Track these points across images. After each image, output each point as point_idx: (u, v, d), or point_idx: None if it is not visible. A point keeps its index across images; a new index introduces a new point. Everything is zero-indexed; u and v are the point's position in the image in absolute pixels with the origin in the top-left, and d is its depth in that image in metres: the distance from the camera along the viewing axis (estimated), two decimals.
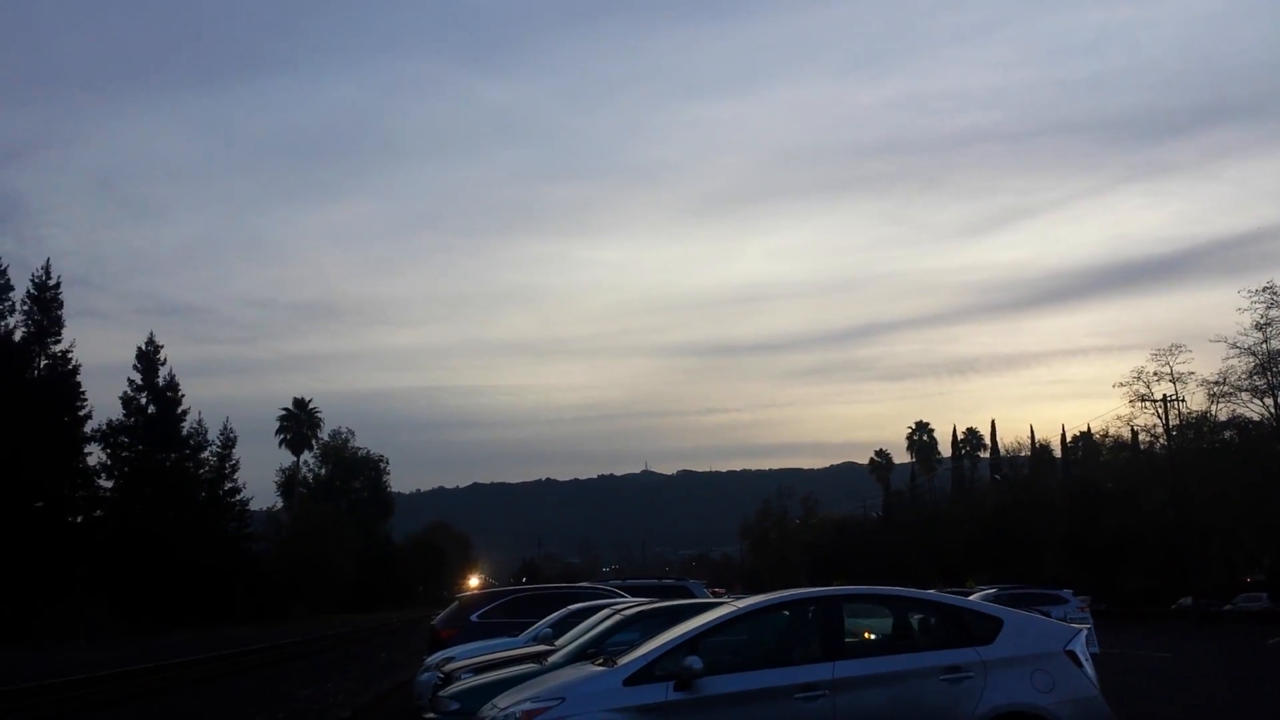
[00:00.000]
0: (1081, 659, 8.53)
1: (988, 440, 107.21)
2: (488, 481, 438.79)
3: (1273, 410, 49.06)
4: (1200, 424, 54.91)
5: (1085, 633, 9.00)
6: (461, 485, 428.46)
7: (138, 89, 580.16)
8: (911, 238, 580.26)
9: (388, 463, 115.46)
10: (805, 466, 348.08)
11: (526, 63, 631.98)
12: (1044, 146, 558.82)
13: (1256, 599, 54.89)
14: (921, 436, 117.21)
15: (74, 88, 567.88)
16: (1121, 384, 56.77)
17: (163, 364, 65.79)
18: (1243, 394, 49.69)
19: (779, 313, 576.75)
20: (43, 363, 53.00)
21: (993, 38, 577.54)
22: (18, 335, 51.43)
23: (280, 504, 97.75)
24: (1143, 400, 55.64)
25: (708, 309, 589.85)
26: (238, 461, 72.51)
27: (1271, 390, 48.58)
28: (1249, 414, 50.90)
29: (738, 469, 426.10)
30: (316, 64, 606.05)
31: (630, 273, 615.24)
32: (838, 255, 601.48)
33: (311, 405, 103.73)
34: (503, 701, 8.55)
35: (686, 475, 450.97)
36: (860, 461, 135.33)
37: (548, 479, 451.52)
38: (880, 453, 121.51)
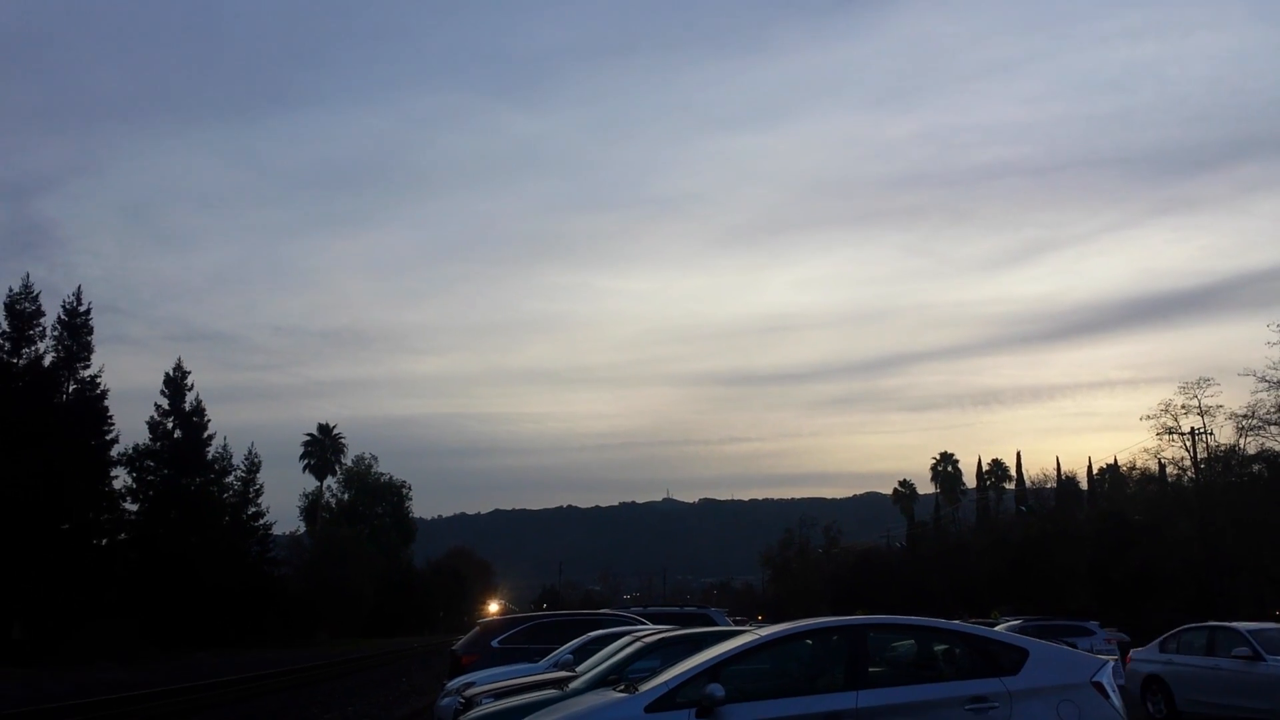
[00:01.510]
0: (1109, 690, 8.48)
1: (1013, 472, 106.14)
2: (509, 508, 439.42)
3: None
4: (1228, 457, 54.39)
5: (1112, 664, 8.95)
6: (483, 511, 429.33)
7: (169, 119, 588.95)
8: (938, 270, 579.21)
9: (410, 488, 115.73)
10: (828, 496, 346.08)
11: (554, 95, 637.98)
12: (1071, 180, 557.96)
13: None
14: (946, 467, 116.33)
15: (106, 117, 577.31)
16: (1149, 417, 56.37)
17: (190, 389, 66.22)
18: (1271, 428, 49.16)
19: (804, 343, 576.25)
20: (71, 388, 53.40)
21: (1020, 73, 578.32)
22: (48, 360, 51.92)
23: (303, 528, 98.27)
24: (1170, 433, 55.24)
25: (732, 339, 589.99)
26: (262, 486, 72.87)
27: None
28: (1278, 448, 50.35)
29: (760, 498, 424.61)
30: (347, 96, 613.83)
31: (655, 302, 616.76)
32: (863, 286, 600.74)
33: (336, 431, 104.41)
34: None
35: (708, 504, 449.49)
36: (884, 492, 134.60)
37: (569, 506, 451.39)
38: (904, 483, 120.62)
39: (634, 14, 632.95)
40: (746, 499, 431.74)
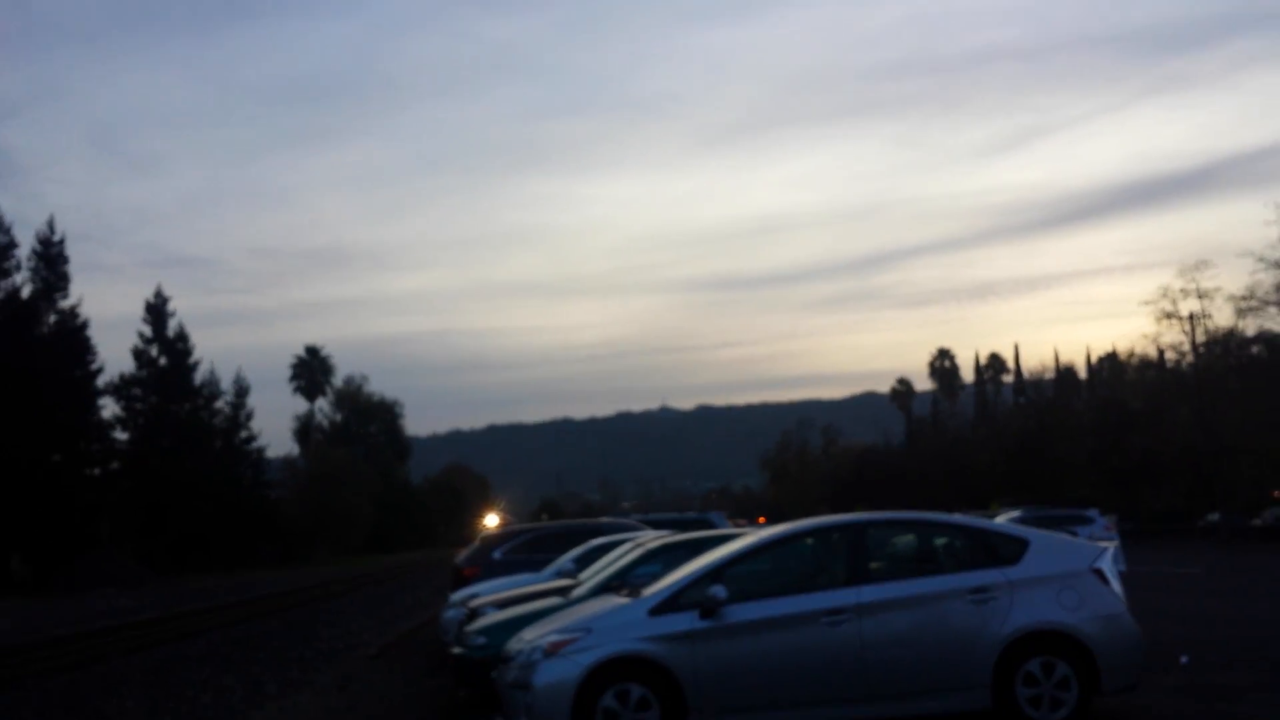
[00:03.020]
0: (1109, 577, 8.52)
1: (1011, 364, 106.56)
2: (504, 423, 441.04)
3: None
4: (1228, 340, 54.27)
5: (1112, 551, 8.97)
6: (478, 427, 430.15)
7: (130, 39, 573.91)
8: (928, 161, 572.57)
9: (403, 407, 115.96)
10: (825, 397, 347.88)
11: None
12: (1062, 62, 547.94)
13: None
14: (943, 363, 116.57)
15: (66, 41, 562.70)
16: (1147, 302, 55.86)
17: (172, 316, 65.98)
18: (1270, 308, 48.70)
19: (794, 243, 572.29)
20: (52, 319, 52.95)
21: None
22: (25, 292, 51.43)
23: (297, 451, 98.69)
24: (1169, 318, 54.81)
25: (721, 242, 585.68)
26: (252, 410, 73.05)
27: None
28: (1277, 328, 50.18)
29: (756, 402, 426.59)
30: (311, 4, 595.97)
31: (641, 208, 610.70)
32: (853, 182, 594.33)
33: (324, 352, 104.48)
34: (529, 634, 8.58)
35: (705, 410, 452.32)
36: (881, 390, 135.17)
37: (565, 418, 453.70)
38: (902, 381, 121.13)
39: None
40: (743, 404, 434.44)
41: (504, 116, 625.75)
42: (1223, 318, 53.96)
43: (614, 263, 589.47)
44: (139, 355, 64.25)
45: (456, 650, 10.90)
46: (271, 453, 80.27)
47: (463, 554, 20.02)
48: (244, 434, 72.10)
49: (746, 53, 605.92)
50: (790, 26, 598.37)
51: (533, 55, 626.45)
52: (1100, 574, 8.47)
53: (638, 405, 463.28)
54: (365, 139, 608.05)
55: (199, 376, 67.25)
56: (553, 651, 7.98)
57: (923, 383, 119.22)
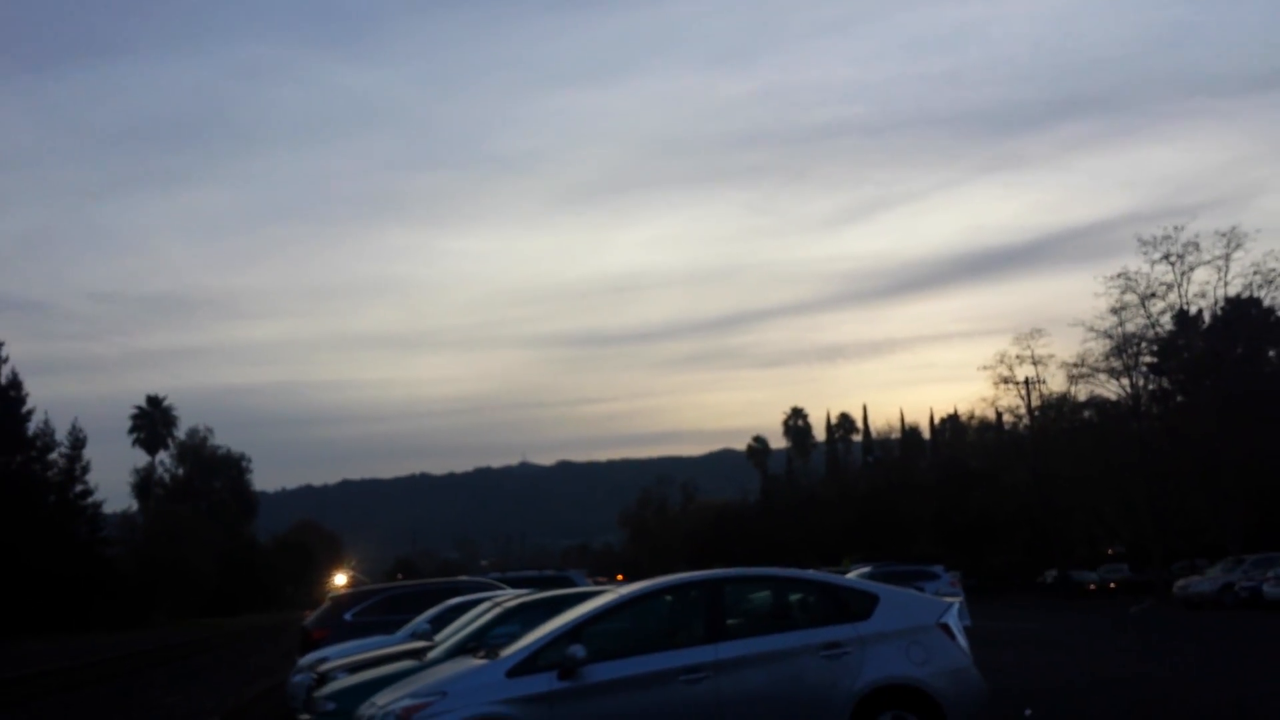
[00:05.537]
0: (955, 632, 8.75)
1: (860, 424, 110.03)
2: (359, 478, 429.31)
3: (1128, 390, 51.22)
4: (1061, 404, 57.26)
5: (957, 606, 9.23)
6: (331, 482, 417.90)
7: None
8: (779, 228, 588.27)
9: (250, 461, 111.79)
10: (684, 454, 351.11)
11: (385, 48, 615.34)
12: (904, 139, 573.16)
13: (1118, 570, 57.87)
14: (797, 422, 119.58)
15: None
16: (985, 367, 58.81)
17: (4, 362, 62.64)
18: (1100, 375, 51.50)
19: (652, 302, 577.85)
20: None
21: (852, 33, 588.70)
22: None
23: (135, 506, 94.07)
24: (1006, 382, 57.70)
25: (581, 299, 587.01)
26: (88, 463, 69.42)
27: (1127, 371, 50.60)
28: (1106, 394, 53.03)
29: (617, 458, 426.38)
30: (161, 47, 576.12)
31: (500, 263, 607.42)
32: (708, 245, 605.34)
33: (166, 403, 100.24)
34: (381, 699, 8.33)
35: (565, 466, 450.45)
36: (738, 448, 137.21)
37: (422, 473, 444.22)
38: (757, 439, 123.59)
39: None
40: (604, 460, 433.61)
41: (360, 168, 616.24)
42: (1056, 383, 57.07)
43: (472, 317, 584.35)
44: None
45: (304, 717, 10.52)
46: (109, 508, 76.41)
47: (312, 615, 19.37)
48: (79, 488, 68.46)
49: (603, 117, 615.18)
50: (645, 94, 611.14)
51: (391, 108, 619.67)
52: (947, 629, 8.69)
53: (497, 461, 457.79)
54: (215, 185, 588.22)
55: (32, 427, 63.97)
56: (406, 717, 7.77)
57: (778, 441, 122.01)
